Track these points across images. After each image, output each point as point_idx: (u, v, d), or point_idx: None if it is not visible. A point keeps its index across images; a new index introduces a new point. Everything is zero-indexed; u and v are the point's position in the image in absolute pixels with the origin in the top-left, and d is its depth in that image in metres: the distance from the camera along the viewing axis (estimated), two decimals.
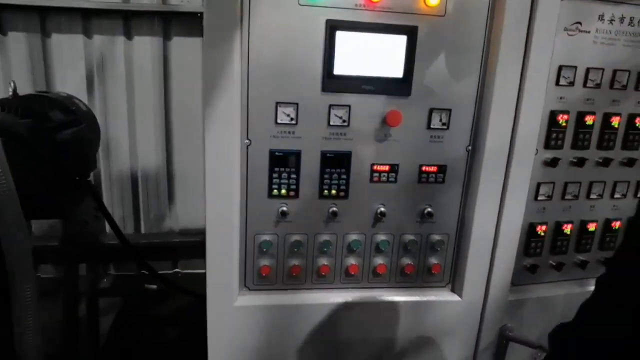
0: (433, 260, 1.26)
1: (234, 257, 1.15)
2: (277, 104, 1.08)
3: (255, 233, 1.17)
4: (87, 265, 2.01)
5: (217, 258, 1.13)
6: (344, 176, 1.15)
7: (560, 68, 1.19)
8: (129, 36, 2.53)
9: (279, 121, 1.09)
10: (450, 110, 1.15)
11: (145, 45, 2.55)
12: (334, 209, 1.16)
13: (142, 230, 2.84)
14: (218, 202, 1.10)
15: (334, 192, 1.16)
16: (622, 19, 1.21)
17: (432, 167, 1.19)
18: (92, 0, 2.40)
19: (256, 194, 1.14)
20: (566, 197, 1.29)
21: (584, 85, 1.22)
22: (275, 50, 1.05)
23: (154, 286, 2.61)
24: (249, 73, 1.06)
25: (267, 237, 1.17)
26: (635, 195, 1.37)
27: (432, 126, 1.15)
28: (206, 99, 1.03)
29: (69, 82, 2.50)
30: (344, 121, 1.12)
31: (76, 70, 2.50)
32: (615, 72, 1.24)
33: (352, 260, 1.22)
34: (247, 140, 1.09)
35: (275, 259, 1.19)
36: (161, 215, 2.84)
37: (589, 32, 1.19)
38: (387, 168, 1.17)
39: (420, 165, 1.18)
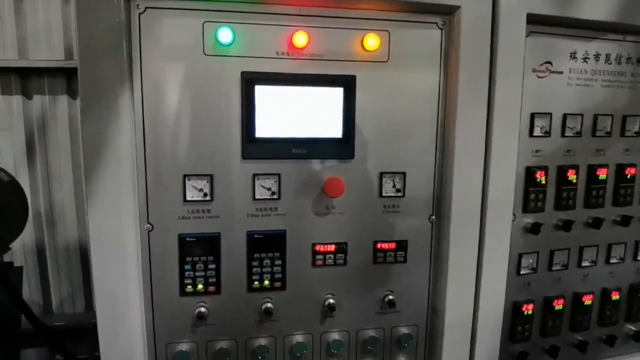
0: (401, 359, 1.01)
1: None
2: (185, 177, 0.85)
3: (167, 342, 0.90)
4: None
5: None
6: (278, 262, 0.91)
7: (532, 116, 1.00)
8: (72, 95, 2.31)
9: (188, 198, 0.86)
10: (404, 173, 0.94)
11: None
12: (269, 304, 0.92)
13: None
14: (110, 307, 0.84)
15: (267, 282, 0.91)
16: (597, 56, 1.04)
17: (390, 244, 0.96)
18: (32, 59, 2.19)
19: (164, 292, 0.88)
20: (554, 268, 1.07)
21: (562, 134, 1.03)
22: (178, 112, 0.83)
23: None
24: (145, 142, 0.83)
25: (183, 347, 0.90)
26: (634, 258, 1.15)
27: (384, 194, 0.94)
28: (87, 176, 0.80)
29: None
30: (273, 193, 0.89)
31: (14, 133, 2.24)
32: (596, 117, 1.06)
33: None
34: (147, 225, 0.85)
35: None
36: None
37: (561, 72, 1.02)
38: (333, 248, 0.93)
39: (375, 242, 0.95)
